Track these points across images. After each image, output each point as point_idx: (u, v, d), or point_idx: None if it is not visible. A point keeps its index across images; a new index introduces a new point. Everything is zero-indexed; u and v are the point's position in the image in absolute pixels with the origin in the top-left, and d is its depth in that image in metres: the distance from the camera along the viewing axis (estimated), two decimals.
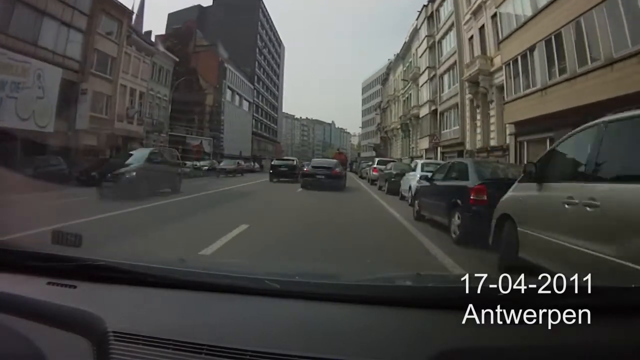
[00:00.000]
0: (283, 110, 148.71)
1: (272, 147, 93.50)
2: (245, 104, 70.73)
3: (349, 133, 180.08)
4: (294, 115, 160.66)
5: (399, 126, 51.07)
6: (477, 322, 1.21)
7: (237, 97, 65.65)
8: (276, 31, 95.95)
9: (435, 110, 33.32)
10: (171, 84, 44.55)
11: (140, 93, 39.42)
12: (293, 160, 27.37)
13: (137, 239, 6.40)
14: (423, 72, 36.94)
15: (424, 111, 35.80)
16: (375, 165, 23.52)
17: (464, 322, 1.21)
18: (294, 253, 5.73)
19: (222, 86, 57.89)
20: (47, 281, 1.50)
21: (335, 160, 22.57)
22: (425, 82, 35.89)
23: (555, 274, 1.42)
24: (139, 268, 1.56)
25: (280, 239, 6.77)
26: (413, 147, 41.82)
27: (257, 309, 1.34)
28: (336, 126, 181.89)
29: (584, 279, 1.27)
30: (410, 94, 44.72)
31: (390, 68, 60.30)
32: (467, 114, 27.19)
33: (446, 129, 31.00)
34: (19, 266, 1.57)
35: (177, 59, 45.79)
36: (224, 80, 58.63)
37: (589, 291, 1.25)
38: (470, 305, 1.23)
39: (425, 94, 36.66)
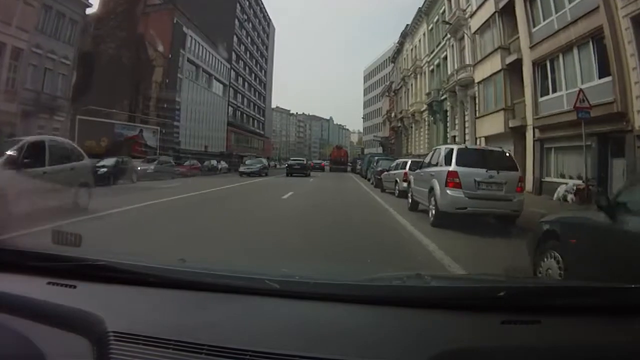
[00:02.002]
0: (279, 106, 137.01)
1: (260, 144, 78.08)
2: (218, 87, 55.10)
3: (348, 130, 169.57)
4: (289, 111, 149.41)
5: (423, 108, 35.55)
6: (477, 322, 1.22)
7: (204, 76, 50.09)
8: (263, 5, 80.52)
9: (517, 62, 17.93)
10: (79, 40, 28.99)
11: (15, 50, 24.05)
12: (303, 159, 39.24)
13: None
14: (480, 6, 21.50)
15: (487, 69, 20.38)
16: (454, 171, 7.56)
17: (464, 322, 1.22)
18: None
19: (179, 58, 42.35)
20: (47, 281, 1.50)
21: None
22: (488, 19, 20.49)
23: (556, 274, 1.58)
24: (138, 268, 1.54)
25: None
26: (456, 136, 26.32)
27: (257, 309, 1.34)
28: (334, 122, 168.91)
29: (584, 279, 1.35)
30: (446, 55, 29.32)
31: (405, 35, 44.82)
32: (631, 46, 11.82)
33: (557, 91, 15.61)
34: (19, 266, 1.57)
35: (90, 4, 30.23)
36: (181, 51, 43.07)
37: (589, 291, 1.28)
38: (471, 305, 1.26)
39: (482, 45, 21.30)
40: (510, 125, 18.26)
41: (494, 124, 19.36)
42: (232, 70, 60.21)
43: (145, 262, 1.63)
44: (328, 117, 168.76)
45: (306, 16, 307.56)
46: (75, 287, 1.46)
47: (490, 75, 20.03)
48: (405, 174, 12.69)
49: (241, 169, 32.07)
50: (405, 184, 12.60)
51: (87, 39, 31.24)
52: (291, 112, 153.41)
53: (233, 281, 1.46)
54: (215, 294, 1.42)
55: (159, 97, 38.58)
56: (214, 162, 35.08)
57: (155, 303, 1.40)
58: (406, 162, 13.73)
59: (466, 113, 24.56)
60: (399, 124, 46.85)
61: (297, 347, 1.12)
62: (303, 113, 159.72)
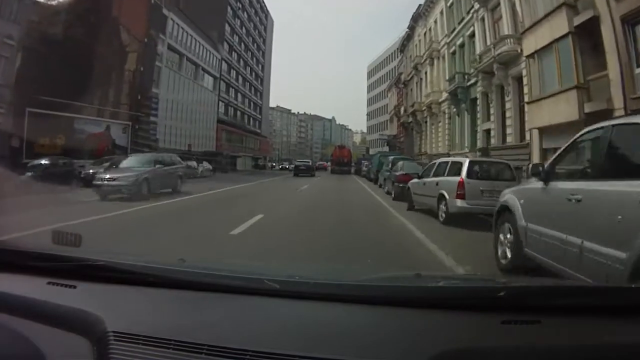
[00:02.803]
0: (279, 105, 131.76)
1: (256, 143, 72.80)
2: (207, 79, 49.76)
3: (350, 130, 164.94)
4: (290, 110, 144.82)
5: (442, 98, 30.12)
6: (477, 322, 1.20)
7: (190, 67, 44.75)
8: None
9: (591, 22, 12.57)
10: (27, 18, 23.68)
11: None
12: (309, 161, 44.67)
13: None
14: None
15: (545, 36, 14.90)
16: None
17: (464, 322, 1.21)
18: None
19: (158, 43, 36.96)
20: (47, 281, 1.49)
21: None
22: None
23: (556, 273, 1.49)
24: (138, 268, 1.53)
25: None
26: (492, 128, 20.85)
27: (257, 309, 1.33)
28: (337, 122, 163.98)
29: (584, 279, 1.24)
30: (472, 32, 23.90)
31: (417, 18, 39.41)
32: None
33: None
34: (19, 266, 1.55)
35: None
36: (161, 35, 37.71)
37: (589, 291, 1.25)
38: (471, 305, 1.24)
39: (533, 5, 15.89)
40: (587, 110, 12.83)
41: (558, 110, 13.89)
42: (223, 62, 54.88)
43: (145, 262, 1.61)
44: (330, 117, 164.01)
45: (307, 14, 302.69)
46: (75, 287, 1.45)
47: (551, 43, 14.54)
48: (461, 183, 7.30)
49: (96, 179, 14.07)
50: (464, 204, 7.18)
51: (40, 16, 25.93)
52: (292, 111, 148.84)
53: (233, 281, 1.45)
54: (215, 294, 1.41)
55: (132, 87, 33.22)
56: (192, 162, 29.51)
57: (155, 303, 1.39)
58: (461, 164, 8.13)
59: (507, 99, 19.11)
60: (410, 120, 41.46)
61: (297, 347, 1.11)
62: (304, 112, 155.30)
